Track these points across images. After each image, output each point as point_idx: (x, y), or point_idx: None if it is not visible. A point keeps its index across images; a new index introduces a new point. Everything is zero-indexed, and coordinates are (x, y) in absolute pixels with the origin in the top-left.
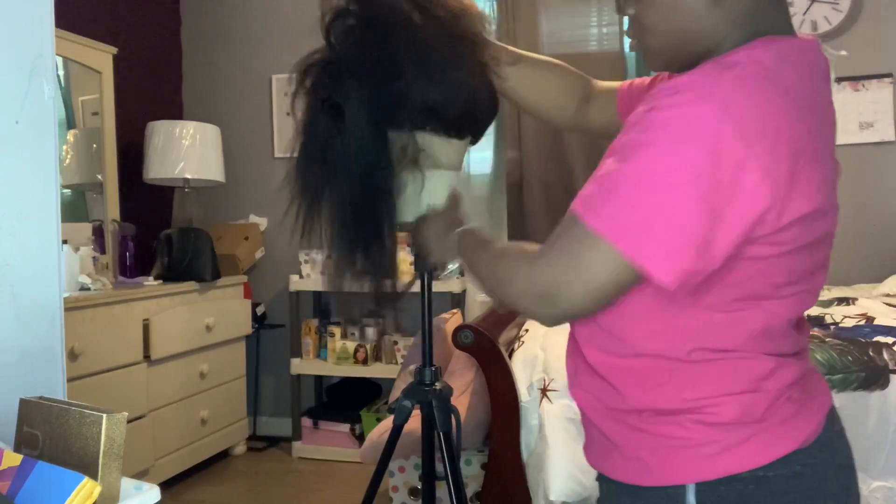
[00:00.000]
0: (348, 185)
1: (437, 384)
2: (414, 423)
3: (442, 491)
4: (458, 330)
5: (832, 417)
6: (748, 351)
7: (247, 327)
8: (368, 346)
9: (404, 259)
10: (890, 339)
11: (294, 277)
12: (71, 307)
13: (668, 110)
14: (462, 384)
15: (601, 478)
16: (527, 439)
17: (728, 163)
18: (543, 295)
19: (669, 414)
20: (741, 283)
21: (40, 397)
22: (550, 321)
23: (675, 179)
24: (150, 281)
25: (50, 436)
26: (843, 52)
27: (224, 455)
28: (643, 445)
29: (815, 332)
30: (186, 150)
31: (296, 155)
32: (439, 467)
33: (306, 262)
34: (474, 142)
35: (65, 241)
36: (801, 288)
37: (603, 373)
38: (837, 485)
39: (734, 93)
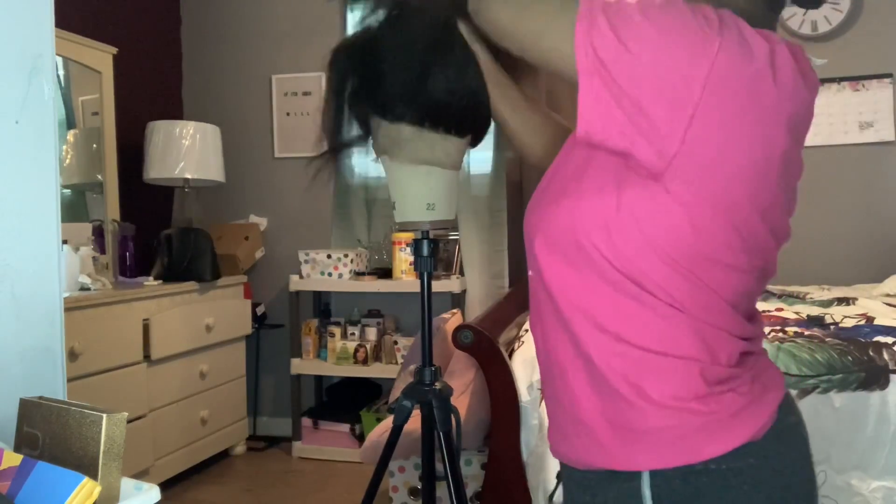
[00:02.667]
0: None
1: (436, 384)
2: (414, 423)
3: (442, 491)
4: (458, 330)
5: (787, 409)
6: (698, 315)
7: (247, 327)
8: (368, 346)
9: (404, 260)
10: (890, 339)
11: (294, 277)
12: (71, 307)
13: (691, 14)
14: (462, 384)
15: (564, 466)
16: (527, 439)
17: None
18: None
19: (630, 401)
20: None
21: (40, 397)
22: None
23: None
24: (150, 281)
25: (50, 436)
26: (824, 61)
27: (224, 455)
28: (605, 431)
29: (815, 331)
30: (186, 150)
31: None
32: (439, 467)
33: (306, 262)
34: (474, 144)
35: (65, 241)
36: (753, 266)
37: (562, 365)
38: (794, 477)
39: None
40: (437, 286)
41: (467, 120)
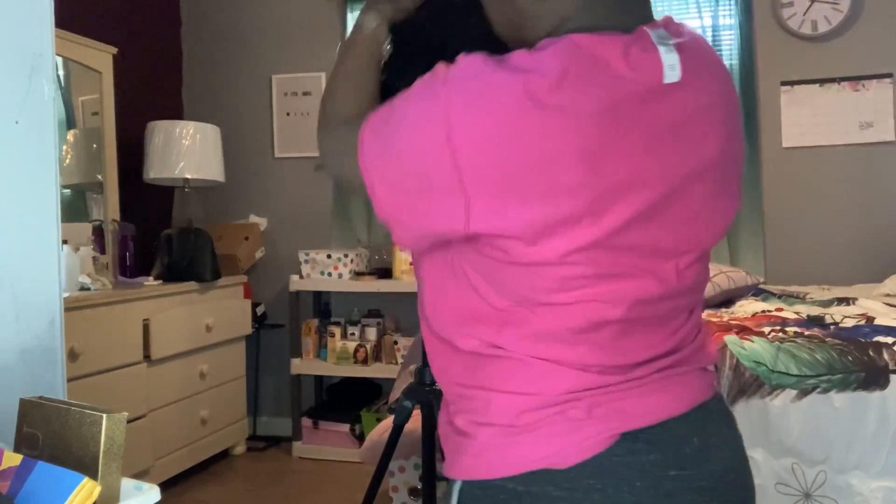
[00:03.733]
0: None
1: (437, 384)
2: (414, 423)
3: (442, 490)
4: None
5: (641, 446)
6: (522, 353)
7: (247, 327)
8: (368, 346)
9: (404, 260)
10: (890, 339)
11: (294, 277)
12: (71, 307)
13: (425, 83)
14: None
15: None
16: None
17: (428, 149)
18: (322, 150)
19: (452, 404)
20: (504, 285)
21: (40, 397)
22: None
23: (400, 149)
24: (150, 281)
25: (50, 436)
26: (677, 41)
27: (224, 455)
28: (444, 437)
29: (815, 331)
30: (186, 150)
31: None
32: (440, 467)
33: (306, 262)
34: None
35: (65, 241)
36: (575, 297)
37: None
38: None
39: (466, 86)
40: None
41: None
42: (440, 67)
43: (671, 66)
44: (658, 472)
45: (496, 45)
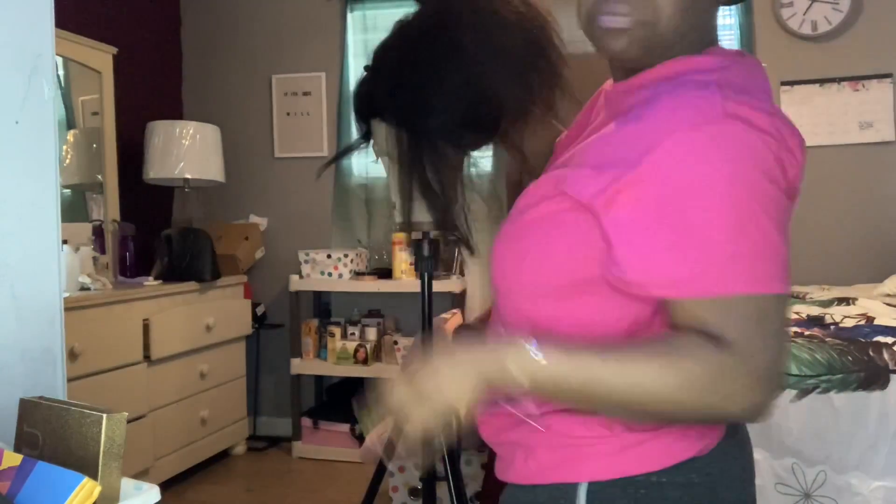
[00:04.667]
0: None
1: None
2: None
3: (442, 491)
4: (457, 330)
5: (734, 426)
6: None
7: (247, 327)
8: (368, 346)
9: (404, 259)
10: (890, 339)
11: (294, 277)
12: (71, 307)
13: (701, 140)
14: None
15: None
16: None
17: (773, 178)
18: (765, 380)
19: (571, 413)
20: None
21: (40, 397)
22: (762, 407)
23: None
24: (150, 281)
25: (50, 436)
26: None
27: (224, 455)
28: (542, 443)
29: (815, 331)
30: (186, 150)
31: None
32: (439, 467)
33: (306, 262)
34: (475, 148)
35: (65, 241)
36: None
37: None
38: (732, 496)
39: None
40: (438, 286)
41: (483, 139)
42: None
43: None
44: (747, 448)
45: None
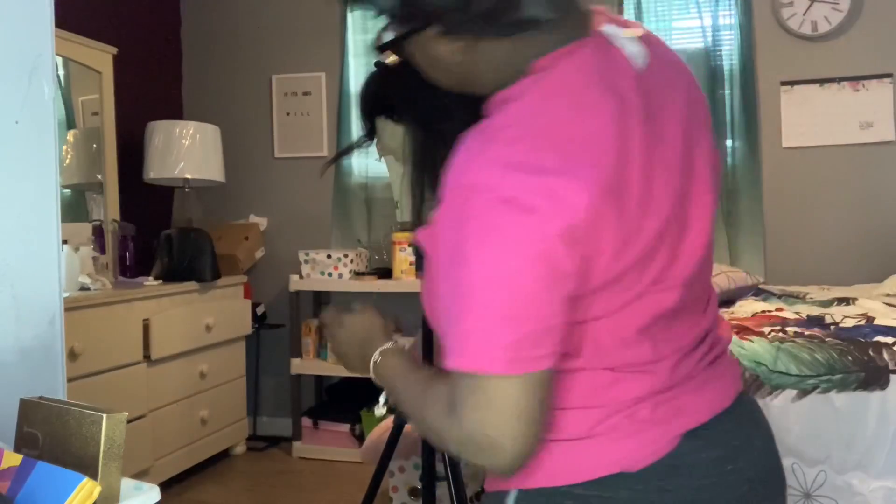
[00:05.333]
0: None
1: None
2: None
3: (442, 491)
4: None
5: (703, 442)
6: (583, 366)
7: (247, 327)
8: None
9: (404, 259)
10: (890, 339)
11: (294, 277)
12: (71, 307)
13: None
14: None
15: None
16: None
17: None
18: (473, 446)
19: None
20: (578, 311)
21: (40, 397)
22: (503, 469)
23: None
24: (150, 281)
25: (50, 436)
26: (638, 31)
27: (224, 455)
28: None
29: (815, 331)
30: (186, 150)
31: None
32: (440, 467)
33: (306, 262)
34: None
35: (65, 241)
36: (644, 295)
37: None
38: None
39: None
40: None
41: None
42: (453, 192)
43: (635, 55)
44: (719, 468)
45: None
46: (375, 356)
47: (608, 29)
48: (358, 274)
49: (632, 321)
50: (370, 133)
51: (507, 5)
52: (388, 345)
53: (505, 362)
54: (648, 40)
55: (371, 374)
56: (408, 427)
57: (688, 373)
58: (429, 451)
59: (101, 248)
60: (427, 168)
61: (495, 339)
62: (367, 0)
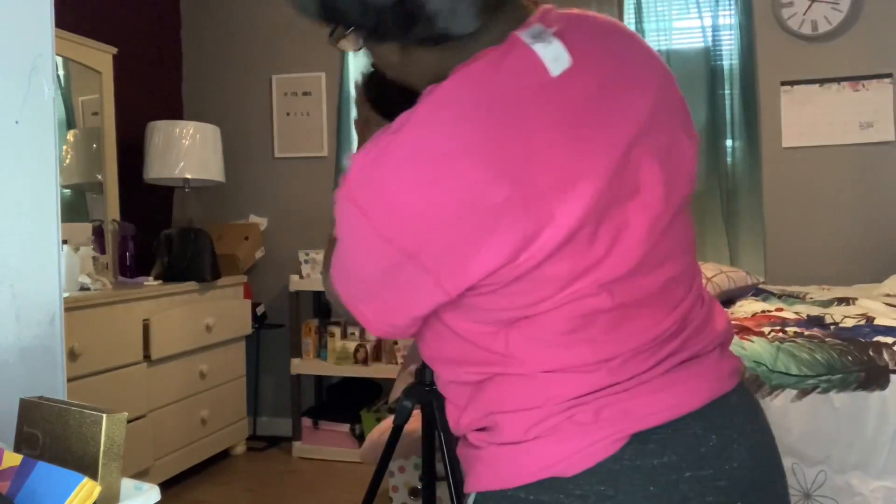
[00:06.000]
0: None
1: (437, 384)
2: (414, 422)
3: (442, 491)
4: None
5: (652, 448)
6: (519, 371)
7: (247, 327)
8: (368, 346)
9: None
10: (890, 339)
11: (294, 277)
12: (71, 307)
13: (337, 206)
14: None
15: None
16: None
17: (379, 266)
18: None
19: (471, 431)
20: (477, 317)
21: (40, 397)
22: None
23: (356, 276)
24: (150, 281)
25: (50, 436)
26: (550, 29)
27: (224, 455)
28: (463, 456)
29: (815, 331)
30: (186, 150)
31: None
32: (440, 467)
33: (306, 262)
34: None
35: (65, 241)
36: (558, 300)
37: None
38: None
39: (367, 191)
40: None
41: None
42: (340, 188)
43: (555, 58)
44: (672, 475)
45: None
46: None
47: (529, 32)
48: None
49: (554, 324)
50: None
51: (415, 21)
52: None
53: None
54: (573, 41)
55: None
56: (408, 427)
57: (640, 374)
58: (429, 451)
59: (101, 248)
60: None
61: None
62: (300, 7)
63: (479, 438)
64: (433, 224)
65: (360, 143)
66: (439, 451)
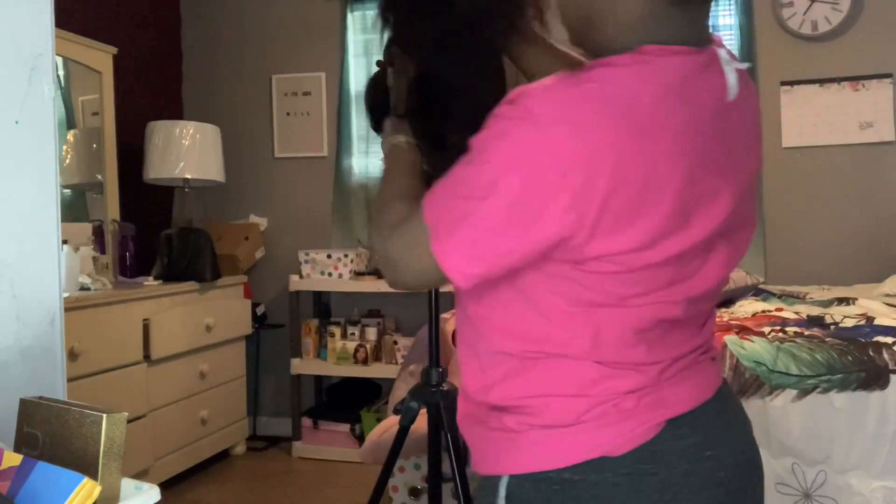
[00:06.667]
0: None
1: (444, 385)
2: (415, 422)
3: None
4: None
5: (683, 430)
6: (577, 356)
7: (247, 327)
8: (368, 346)
9: None
10: (890, 339)
11: (294, 277)
12: (71, 307)
13: (501, 122)
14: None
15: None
16: None
17: (538, 187)
18: (386, 262)
19: (501, 410)
20: (570, 292)
21: (40, 397)
22: (390, 284)
23: (488, 193)
24: (150, 281)
25: (50, 436)
26: (747, 65)
27: (224, 455)
28: (480, 437)
29: (815, 331)
30: (186, 150)
31: None
32: (445, 468)
33: (306, 262)
34: None
35: (65, 241)
36: (649, 300)
37: (462, 364)
38: (655, 499)
39: (562, 116)
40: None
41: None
42: (507, 109)
43: (732, 86)
44: (699, 454)
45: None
46: (399, 139)
47: (725, 52)
48: (358, 274)
49: (633, 320)
50: (376, 129)
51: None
52: (408, 140)
53: (456, 259)
54: (741, 75)
55: (382, 143)
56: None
57: (674, 375)
58: (435, 452)
59: (101, 248)
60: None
61: (465, 238)
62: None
63: (517, 421)
64: (621, 176)
65: (396, 96)
66: (446, 451)
